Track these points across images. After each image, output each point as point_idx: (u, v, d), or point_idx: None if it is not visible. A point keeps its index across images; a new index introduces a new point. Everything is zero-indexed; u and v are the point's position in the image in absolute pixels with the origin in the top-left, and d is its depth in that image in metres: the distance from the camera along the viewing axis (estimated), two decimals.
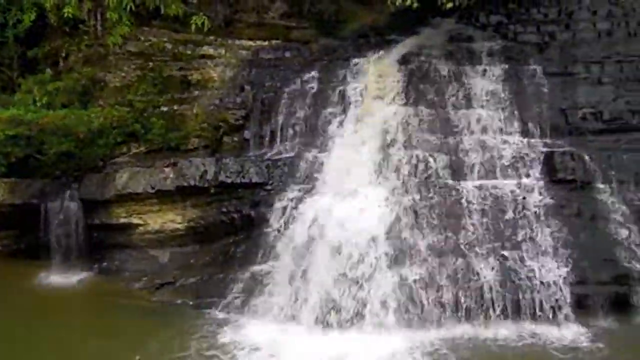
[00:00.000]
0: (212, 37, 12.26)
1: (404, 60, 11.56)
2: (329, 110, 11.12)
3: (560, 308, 9.07)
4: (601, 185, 10.24)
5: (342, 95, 11.22)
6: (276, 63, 12.20)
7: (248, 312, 9.41)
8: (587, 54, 11.66)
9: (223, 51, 12.32)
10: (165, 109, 11.99)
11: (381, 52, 11.89)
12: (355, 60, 11.73)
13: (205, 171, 10.60)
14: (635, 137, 10.86)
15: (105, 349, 8.34)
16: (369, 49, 12.05)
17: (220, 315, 9.50)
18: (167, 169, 10.79)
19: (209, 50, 12.25)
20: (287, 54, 12.32)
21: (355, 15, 12.77)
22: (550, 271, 9.32)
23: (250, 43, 12.47)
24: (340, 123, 10.95)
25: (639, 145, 10.76)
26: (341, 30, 12.68)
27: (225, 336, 8.75)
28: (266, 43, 12.50)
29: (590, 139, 10.88)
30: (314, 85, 11.50)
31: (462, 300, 9.06)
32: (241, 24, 12.50)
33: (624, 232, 9.82)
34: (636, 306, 9.19)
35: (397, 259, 9.29)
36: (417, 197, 9.92)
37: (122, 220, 11.12)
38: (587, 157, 10.39)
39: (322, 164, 10.45)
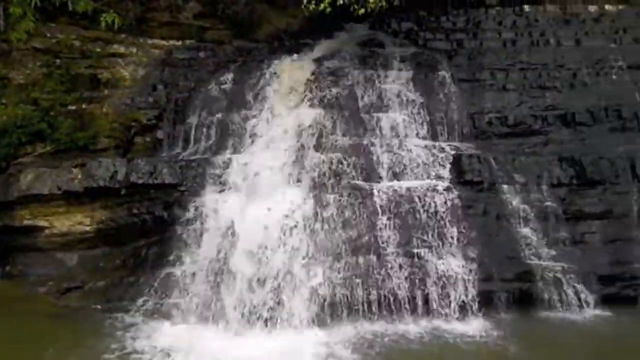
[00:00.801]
0: (123, 36, 11.98)
1: (318, 64, 11.70)
2: (244, 111, 11.09)
3: (467, 304, 9.41)
4: (506, 186, 10.70)
5: (257, 97, 11.20)
6: (190, 63, 12.06)
7: (161, 315, 9.21)
8: (493, 62, 12.20)
9: (134, 50, 12.06)
10: (73, 107, 11.59)
11: (295, 56, 12.00)
12: (270, 62, 11.75)
13: (116, 172, 10.32)
14: (537, 140, 11.44)
15: (5, 356, 7.93)
16: (284, 52, 12.12)
17: (132, 319, 9.24)
18: (75, 170, 10.42)
19: (119, 48, 11.96)
20: (202, 55, 12.20)
21: (270, 18, 12.82)
22: (458, 268, 9.66)
23: (164, 42, 12.27)
24: (255, 125, 10.93)
25: (541, 148, 11.35)
26: (256, 33, 12.69)
27: (137, 341, 8.50)
28: (180, 43, 12.34)
29: (496, 142, 11.37)
30: (229, 86, 11.44)
31: (375, 298, 9.24)
32: (154, 23, 12.28)
33: (526, 231, 10.32)
34: (538, 301, 9.67)
35: (311, 259, 9.37)
36: (331, 198, 10.03)
37: (27, 223, 10.64)
38: (492, 160, 10.85)
39: (237, 165, 10.38)
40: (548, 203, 10.61)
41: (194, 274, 9.41)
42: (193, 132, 11.15)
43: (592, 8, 14.01)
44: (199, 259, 9.52)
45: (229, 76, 11.59)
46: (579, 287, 9.73)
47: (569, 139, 11.46)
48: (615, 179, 10.87)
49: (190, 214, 9.92)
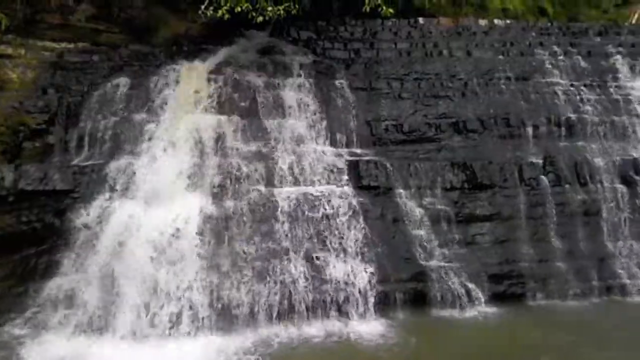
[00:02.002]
0: (10, 36, 11.40)
1: (217, 70, 11.62)
2: (141, 116, 10.83)
3: (365, 305, 9.60)
4: (401, 191, 11.05)
5: (155, 102, 10.97)
6: (83, 66, 11.64)
7: (52, 326, 8.83)
8: (389, 71, 12.56)
9: (23, 51, 11.51)
10: None
11: (195, 61, 11.86)
12: (168, 67, 11.56)
13: (3, 178, 9.81)
14: (431, 147, 11.85)
15: None
16: (182, 57, 11.95)
17: (20, 331, 8.83)
18: None
19: (7, 49, 11.36)
20: (95, 58, 11.81)
21: (168, 22, 12.60)
22: (356, 271, 9.85)
23: (54, 45, 11.78)
24: (153, 130, 10.68)
25: (434, 154, 11.76)
26: (153, 37, 12.44)
27: (25, 354, 8.12)
28: (72, 45, 11.89)
29: (392, 148, 11.69)
30: (125, 90, 11.14)
31: (275, 302, 9.25)
32: (44, 25, 11.75)
33: (421, 233, 10.67)
34: (432, 300, 10.00)
35: (211, 265, 9.27)
36: (231, 204, 9.98)
37: None
38: (389, 165, 11.16)
39: (133, 170, 10.11)
40: (441, 206, 11.04)
41: (86, 283, 9.07)
42: (87, 137, 10.76)
43: (483, 22, 14.75)
44: (93, 267, 9.18)
45: (125, 80, 11.27)
46: (470, 285, 10.16)
47: (460, 145, 11.94)
48: (503, 182, 11.44)
49: (82, 221, 9.57)
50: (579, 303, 10.45)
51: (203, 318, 8.84)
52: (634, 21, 24.73)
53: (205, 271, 9.19)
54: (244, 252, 9.57)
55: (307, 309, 9.44)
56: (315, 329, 9.23)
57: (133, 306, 8.80)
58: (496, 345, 8.80)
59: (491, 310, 10.02)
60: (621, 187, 11.78)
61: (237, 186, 10.27)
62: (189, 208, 9.70)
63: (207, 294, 9.03)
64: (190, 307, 8.88)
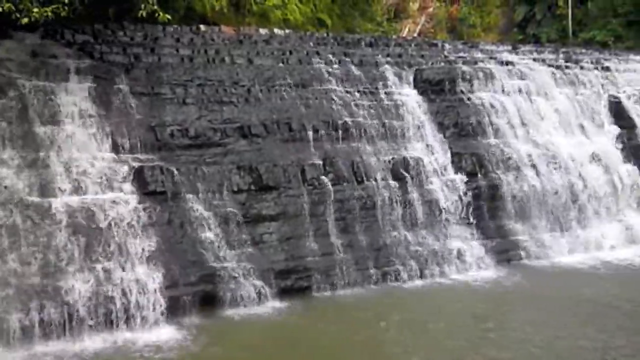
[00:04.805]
0: None
1: None
2: None
3: (153, 313, 9.46)
4: (189, 195, 11.00)
5: None
6: None
7: None
8: (172, 77, 12.39)
9: None
10: None
11: None
12: None
13: None
14: (217, 151, 11.91)
15: None
16: None
17: None
18: None
19: None
20: None
21: None
22: (144, 278, 9.64)
23: None
24: None
25: (221, 158, 11.84)
26: None
27: None
28: None
29: (179, 153, 11.55)
30: None
31: (53, 318, 8.71)
32: None
33: (209, 236, 10.72)
34: (222, 300, 10.10)
35: None
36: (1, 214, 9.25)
37: None
38: (175, 170, 11.06)
39: None
40: (229, 209, 11.19)
41: None
42: None
43: (264, 31, 15.24)
44: None
45: None
46: (259, 283, 10.46)
47: (246, 149, 12.16)
48: (288, 183, 11.92)
49: None
50: (359, 290, 11.28)
51: None
52: (405, 34, 27.27)
53: None
54: (16, 268, 8.88)
55: (91, 321, 9.03)
56: (100, 342, 8.90)
57: None
58: (283, 337, 9.24)
59: (280, 304, 10.43)
60: (394, 184, 12.88)
61: (6, 197, 9.51)
62: None
63: None
64: None
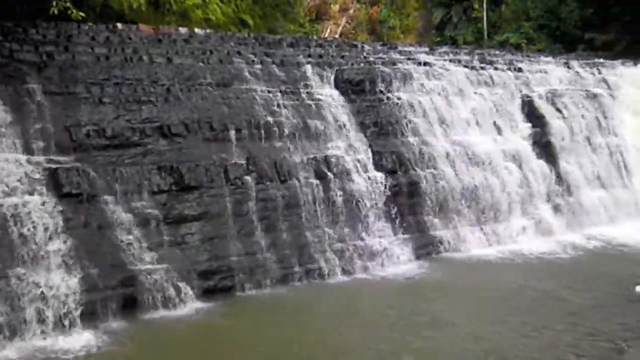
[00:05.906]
0: None
1: None
2: None
3: (70, 318, 9.19)
4: (107, 197, 10.71)
5: None
6: None
7: None
8: (88, 76, 12.00)
9: None
10: None
11: None
12: None
13: None
14: (136, 151, 11.63)
15: None
16: None
17: None
18: None
19: None
20: None
21: None
22: (58, 283, 9.35)
23: None
24: None
25: (140, 158, 11.57)
26: None
27: None
28: None
29: (95, 154, 11.21)
30: None
31: None
32: None
33: (129, 238, 10.48)
34: (143, 303, 9.91)
35: None
36: None
37: None
38: (92, 172, 10.75)
39: None
40: (150, 210, 10.98)
41: None
42: None
43: (183, 30, 15.02)
44: None
45: None
46: (181, 284, 10.33)
47: (167, 149, 11.94)
48: (210, 183, 11.79)
49: None
50: (283, 288, 11.32)
51: None
52: (326, 35, 27.56)
53: None
54: None
55: (4, 331, 8.67)
56: (15, 352, 8.53)
57: None
58: (204, 338, 9.18)
59: (203, 305, 10.33)
60: (316, 182, 12.96)
61: None
62: None
63: None
64: None
